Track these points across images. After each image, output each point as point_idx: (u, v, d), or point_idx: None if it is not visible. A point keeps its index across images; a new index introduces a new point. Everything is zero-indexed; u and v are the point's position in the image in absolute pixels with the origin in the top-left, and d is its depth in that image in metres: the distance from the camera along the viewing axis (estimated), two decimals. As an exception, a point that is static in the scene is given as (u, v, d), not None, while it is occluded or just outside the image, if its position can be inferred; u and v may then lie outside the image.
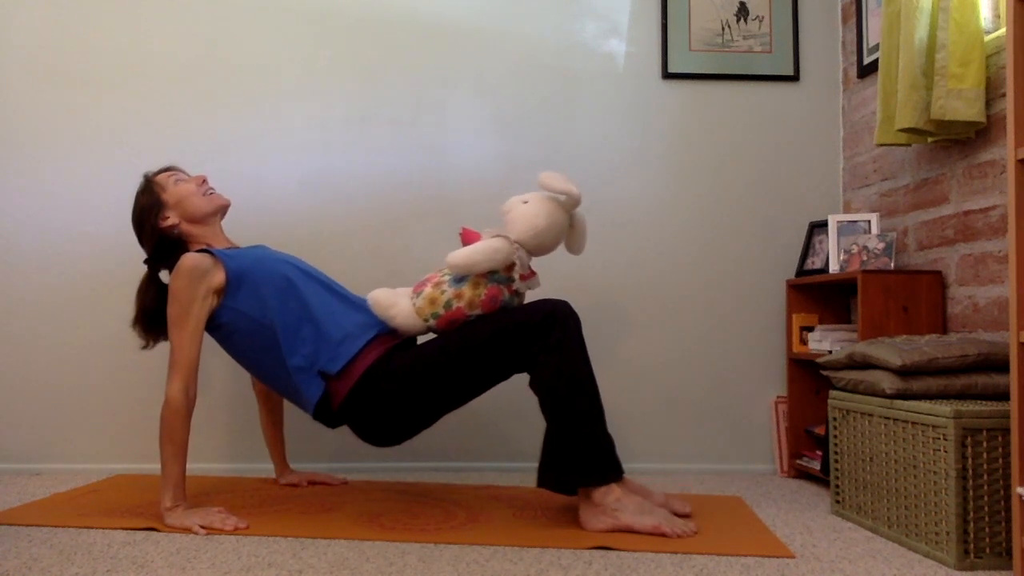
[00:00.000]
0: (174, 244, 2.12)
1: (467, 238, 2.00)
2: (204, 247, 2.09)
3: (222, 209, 2.17)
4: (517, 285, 1.99)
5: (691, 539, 1.79)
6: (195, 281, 1.97)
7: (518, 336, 1.90)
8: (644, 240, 2.71)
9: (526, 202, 2.00)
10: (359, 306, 2.12)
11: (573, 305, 2.66)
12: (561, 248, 2.64)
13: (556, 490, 1.88)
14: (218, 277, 2.01)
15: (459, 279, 1.98)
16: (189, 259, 1.98)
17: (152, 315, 2.15)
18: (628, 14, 2.74)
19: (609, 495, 1.84)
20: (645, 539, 1.77)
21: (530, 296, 2.39)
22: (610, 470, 1.86)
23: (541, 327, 1.89)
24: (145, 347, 2.18)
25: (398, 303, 2.00)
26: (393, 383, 1.96)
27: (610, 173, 2.71)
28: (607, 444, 1.88)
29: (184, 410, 1.92)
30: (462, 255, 1.91)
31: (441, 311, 1.97)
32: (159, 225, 2.11)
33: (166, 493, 1.90)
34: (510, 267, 1.98)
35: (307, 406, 2.03)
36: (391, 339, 2.08)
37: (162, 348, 2.58)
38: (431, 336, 2.05)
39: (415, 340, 2.17)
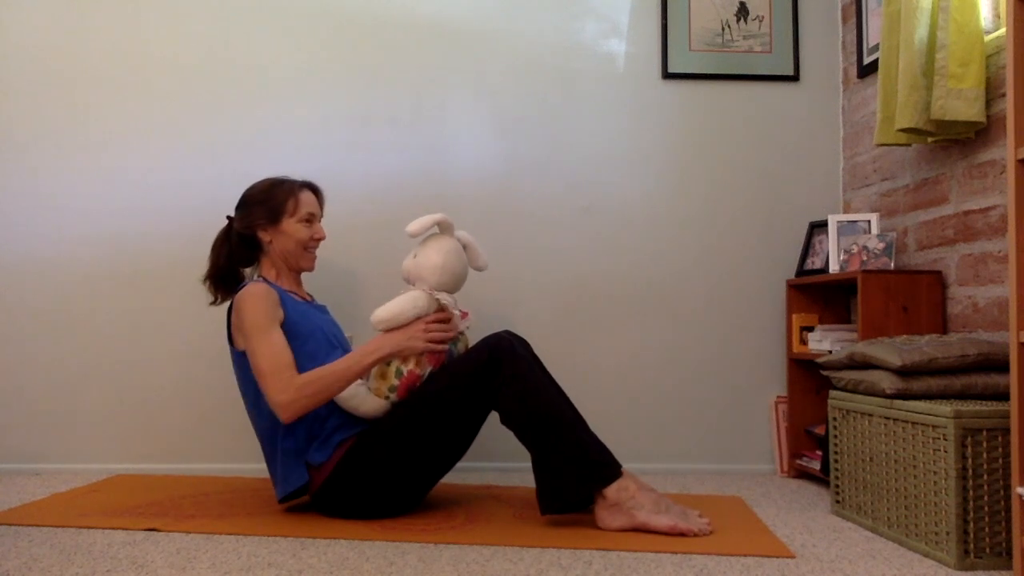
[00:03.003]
0: (257, 244, 2.14)
1: None
2: (272, 281, 2.11)
3: (303, 271, 2.19)
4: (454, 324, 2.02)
5: (691, 539, 1.79)
6: (270, 304, 1.97)
7: (473, 379, 1.91)
8: (644, 240, 2.71)
9: (416, 256, 2.06)
10: None
11: (574, 304, 2.68)
12: (562, 256, 2.67)
13: (569, 510, 1.86)
14: (281, 312, 2.01)
15: None
16: (263, 288, 1.99)
17: (223, 273, 2.14)
18: (628, 14, 2.74)
19: (623, 492, 1.84)
20: (645, 538, 1.77)
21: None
22: (609, 466, 1.86)
23: (491, 363, 1.90)
24: (214, 303, 2.17)
25: (357, 393, 1.96)
26: (370, 467, 1.93)
27: (610, 173, 2.71)
28: (597, 445, 1.88)
29: (299, 395, 1.87)
30: (384, 309, 1.95)
31: (395, 382, 1.95)
32: (255, 228, 2.11)
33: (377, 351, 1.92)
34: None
35: (279, 488, 1.99)
36: None
37: (158, 350, 2.60)
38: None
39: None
